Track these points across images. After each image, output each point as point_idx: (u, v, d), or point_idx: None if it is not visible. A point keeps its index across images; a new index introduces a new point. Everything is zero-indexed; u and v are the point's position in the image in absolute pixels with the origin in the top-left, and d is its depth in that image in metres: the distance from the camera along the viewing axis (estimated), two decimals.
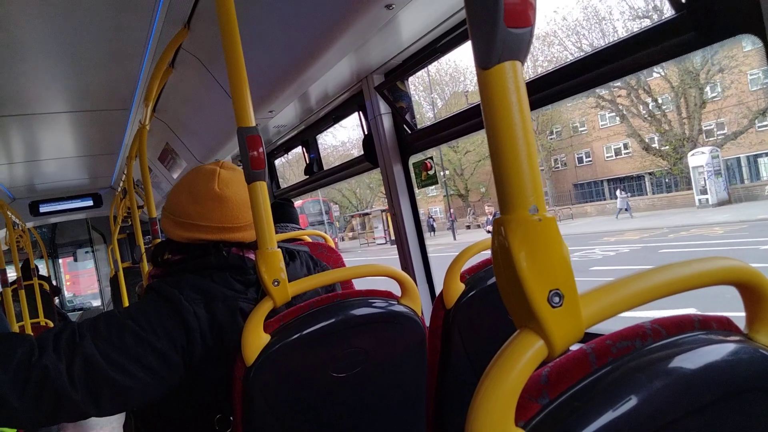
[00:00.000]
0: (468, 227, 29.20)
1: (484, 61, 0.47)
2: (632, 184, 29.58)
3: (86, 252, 9.38)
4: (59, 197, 5.88)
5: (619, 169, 30.13)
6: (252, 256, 1.36)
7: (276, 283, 1.18)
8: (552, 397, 0.48)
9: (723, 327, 0.57)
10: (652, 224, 18.42)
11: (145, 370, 1.13)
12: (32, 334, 1.85)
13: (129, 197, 3.40)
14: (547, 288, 0.47)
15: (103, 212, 6.14)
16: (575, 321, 0.48)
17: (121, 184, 5.08)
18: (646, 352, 0.52)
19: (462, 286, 1.38)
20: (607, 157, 30.66)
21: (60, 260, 9.95)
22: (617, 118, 28.08)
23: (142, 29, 2.31)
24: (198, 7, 2.12)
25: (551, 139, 31.68)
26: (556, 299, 0.47)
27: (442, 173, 29.70)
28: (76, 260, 9.98)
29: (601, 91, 24.98)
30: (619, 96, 25.89)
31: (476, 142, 29.85)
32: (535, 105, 1.53)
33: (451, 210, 29.04)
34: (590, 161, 31.52)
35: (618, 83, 23.14)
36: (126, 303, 5.17)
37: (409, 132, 2.19)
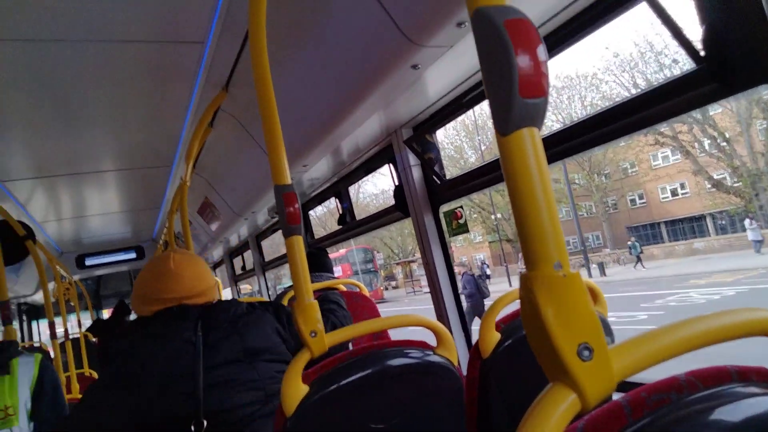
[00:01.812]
0: (521, 273, 28.14)
1: (502, 128, 0.51)
2: (692, 225, 28.28)
3: (128, 303, 9.58)
4: (104, 251, 6.12)
5: (677, 210, 28.74)
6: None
7: (313, 335, 1.21)
8: None
9: (764, 379, 0.56)
10: (739, 265, 16.96)
11: None
12: (77, 384, 1.92)
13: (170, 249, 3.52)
14: (576, 342, 0.48)
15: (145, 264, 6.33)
16: (607, 374, 0.49)
17: (162, 237, 5.26)
18: (683, 404, 0.52)
19: (497, 336, 1.37)
20: (663, 198, 29.35)
21: (104, 311, 10.22)
22: (672, 157, 26.96)
23: (184, 93, 2.47)
24: (236, 71, 2.26)
25: (602, 180, 30.60)
26: (586, 353, 0.48)
27: (493, 216, 29.12)
28: None
29: (661, 127, 24.25)
30: (680, 132, 24.69)
31: None
32: (562, 155, 1.56)
33: (495, 256, 28.24)
34: (644, 203, 30.18)
35: (677, 119, 22.31)
36: None
37: (438, 182, 2.24)
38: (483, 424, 1.39)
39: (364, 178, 3.21)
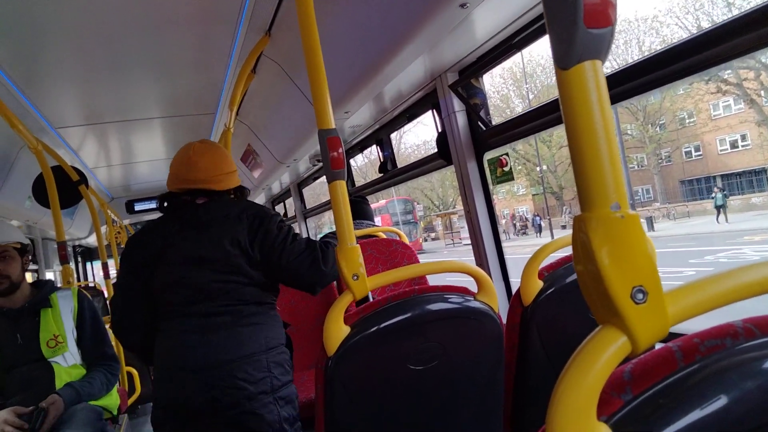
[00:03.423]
0: (564, 227, 26.35)
1: (563, 62, 0.48)
2: (750, 179, 26.26)
3: None
4: (151, 196, 6.35)
5: (735, 164, 26.58)
6: (199, 201, 1.79)
7: (355, 278, 1.23)
8: (635, 393, 0.48)
9: None
10: None
11: None
12: None
13: None
14: (630, 284, 0.47)
15: None
16: (660, 318, 0.47)
17: None
18: (737, 351, 0.50)
19: (540, 284, 1.37)
20: (721, 150, 27.03)
21: None
22: (734, 106, 24.77)
23: (227, 39, 2.46)
24: (278, 15, 2.23)
25: (656, 131, 28.59)
26: (640, 296, 0.47)
27: (538, 168, 28.24)
28: None
29: (724, 74, 22.10)
30: (745, 79, 22.45)
31: None
32: (622, 97, 1.48)
33: (534, 210, 27.60)
34: (700, 155, 27.86)
35: (744, 65, 20.54)
36: None
37: (484, 129, 2.18)
38: (522, 369, 1.41)
39: (406, 128, 3.18)
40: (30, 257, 2.15)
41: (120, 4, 1.98)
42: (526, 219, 28.84)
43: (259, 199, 6.16)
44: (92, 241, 7.43)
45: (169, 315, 1.70)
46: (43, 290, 2.10)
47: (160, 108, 3.39)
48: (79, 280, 8.60)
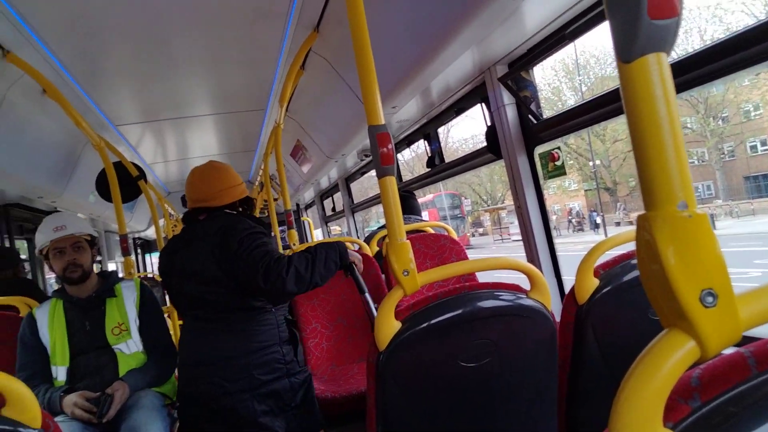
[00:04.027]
0: (618, 224, 25.62)
1: (625, 55, 0.46)
2: None
3: None
4: None
5: None
6: (201, 217, 2.03)
7: (406, 273, 1.24)
8: (704, 400, 0.46)
9: None
10: None
11: None
12: None
13: (266, 190, 3.70)
14: (699, 287, 0.45)
15: None
16: (731, 322, 0.45)
17: (258, 178, 5.53)
18: None
19: (596, 282, 1.33)
20: None
21: None
22: None
23: (276, 36, 2.51)
24: (326, 11, 2.25)
25: (719, 124, 26.62)
26: (710, 299, 0.45)
27: (591, 163, 27.35)
28: None
29: None
30: None
31: (626, 130, 26.58)
32: (682, 88, 1.41)
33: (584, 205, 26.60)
34: (767, 150, 26.04)
35: None
36: None
37: (535, 122, 2.13)
38: (577, 369, 1.37)
39: (453, 122, 3.14)
40: (97, 249, 2.27)
41: (174, 4, 2.05)
42: (582, 215, 27.86)
43: (308, 193, 6.26)
44: (150, 233, 7.76)
45: (180, 315, 2.06)
46: (109, 280, 2.21)
47: (213, 105, 3.50)
48: (138, 271, 9.01)
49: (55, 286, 4.50)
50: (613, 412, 0.45)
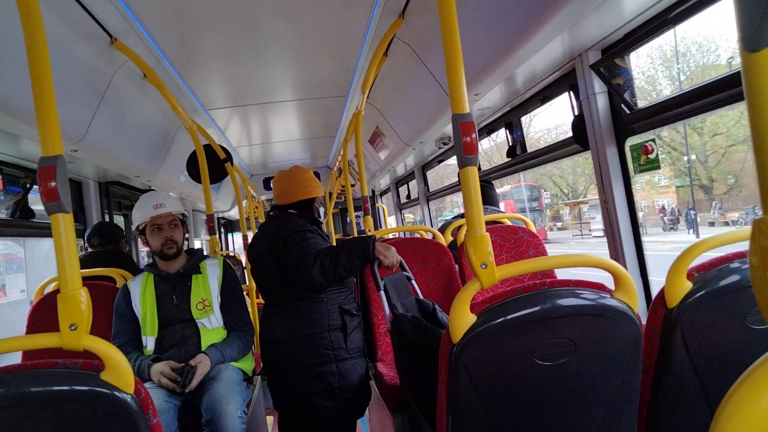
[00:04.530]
0: (712, 224, 23.68)
1: (752, 43, 0.41)
2: None
3: None
4: None
5: None
6: (272, 213, 2.47)
7: (484, 266, 1.21)
8: None
9: None
10: None
11: None
12: None
13: (344, 176, 3.77)
14: None
15: None
16: None
17: (337, 164, 5.64)
18: None
19: (688, 285, 1.24)
20: None
21: None
22: None
23: (361, 22, 2.52)
24: None
25: None
26: None
27: (686, 158, 25.53)
28: None
29: None
30: None
31: (728, 123, 23.74)
32: None
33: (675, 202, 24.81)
34: None
35: None
36: None
37: (628, 112, 2.01)
38: (663, 376, 1.29)
39: (536, 110, 3.03)
40: (186, 227, 2.41)
41: None
42: (677, 213, 26.01)
43: (384, 180, 6.29)
44: (233, 214, 8.14)
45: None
46: (195, 257, 2.34)
47: (297, 91, 3.59)
48: (221, 249, 9.52)
49: (146, 261, 4.84)
50: (716, 422, 0.41)
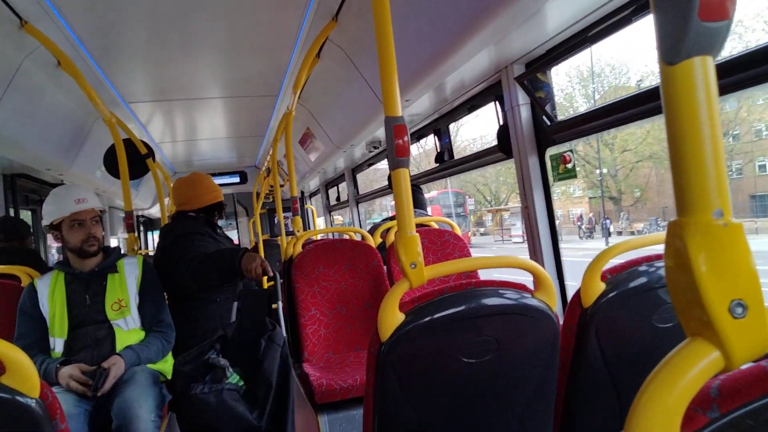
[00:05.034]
0: (620, 233, 25.45)
1: (670, 56, 0.45)
2: None
3: (230, 224, 10.42)
4: (211, 173, 6.54)
5: None
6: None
7: (413, 266, 1.23)
8: (723, 411, 0.46)
9: None
10: None
11: None
12: None
13: (272, 176, 3.70)
14: (729, 297, 0.44)
15: (247, 188, 6.73)
16: (760, 335, 0.45)
17: (265, 164, 5.53)
18: None
19: (602, 286, 1.32)
20: None
21: None
22: None
23: (294, 23, 2.49)
24: (346, 0, 2.23)
25: (729, 141, 26.51)
26: (739, 310, 0.44)
27: (598, 171, 26.89)
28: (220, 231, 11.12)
29: None
30: None
31: (636, 140, 25.90)
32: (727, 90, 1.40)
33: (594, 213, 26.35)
34: None
35: None
36: None
37: (548, 123, 2.12)
38: (576, 372, 1.37)
39: (463, 120, 3.14)
40: (102, 224, 2.27)
41: None
42: (594, 222, 27.66)
43: (314, 182, 6.25)
44: (154, 212, 7.77)
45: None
46: (112, 256, 2.21)
47: (225, 88, 3.49)
48: (140, 248, 9.02)
49: (56, 258, 4.50)
50: (631, 417, 0.44)
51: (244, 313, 2.17)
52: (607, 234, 23.71)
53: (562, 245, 2.29)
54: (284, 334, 2.29)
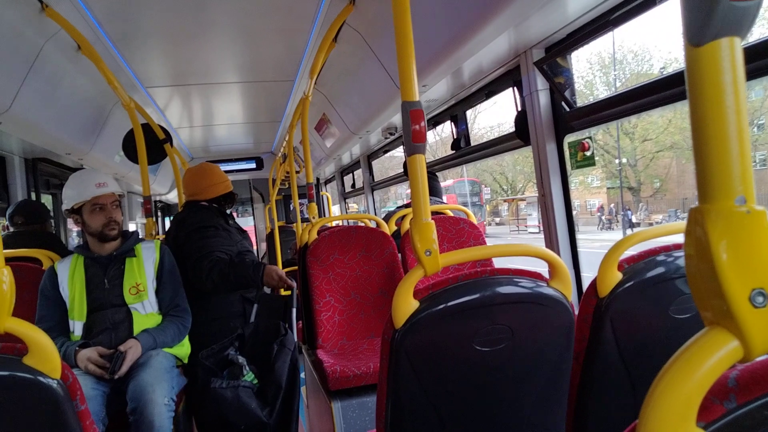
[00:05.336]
0: (638, 224, 24.85)
1: (696, 37, 0.43)
2: None
3: (246, 210, 10.49)
4: (228, 158, 6.61)
5: None
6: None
7: (428, 253, 1.23)
8: (740, 402, 0.45)
9: None
10: None
11: None
12: None
13: (288, 162, 3.71)
14: (750, 286, 0.43)
15: (263, 174, 6.77)
16: None
17: (281, 150, 5.54)
18: None
19: (618, 276, 1.31)
20: None
21: None
22: None
23: (311, 6, 2.47)
24: None
25: (753, 131, 25.92)
26: (760, 299, 0.43)
27: (617, 161, 26.73)
28: (238, 217, 11.21)
29: None
30: None
31: (658, 129, 25.23)
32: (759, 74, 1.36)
33: (610, 204, 25.97)
34: None
35: None
36: (279, 257, 5.68)
37: (568, 110, 2.09)
38: (592, 362, 1.36)
39: (481, 107, 3.11)
40: (121, 209, 2.31)
41: None
42: (615, 213, 27.26)
43: (329, 168, 6.25)
44: (171, 197, 7.85)
45: None
46: (130, 240, 2.24)
47: (242, 73, 3.49)
48: (157, 233, 9.15)
49: (76, 242, 4.57)
50: (646, 406, 0.44)
51: (260, 316, 2.38)
52: (629, 225, 23.38)
53: (579, 236, 2.26)
54: (296, 322, 2.37)
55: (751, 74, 1.34)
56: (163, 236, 7.48)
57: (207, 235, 2.44)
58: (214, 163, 2.76)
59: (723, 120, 0.43)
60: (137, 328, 2.11)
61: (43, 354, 1.06)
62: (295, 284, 2.38)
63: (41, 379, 1.06)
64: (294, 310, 2.46)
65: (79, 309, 2.08)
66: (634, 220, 24.15)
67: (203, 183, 2.68)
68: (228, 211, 2.80)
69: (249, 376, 2.11)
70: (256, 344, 2.25)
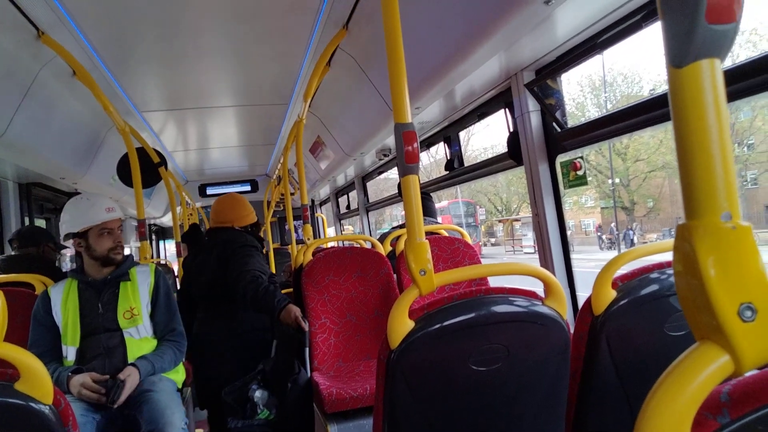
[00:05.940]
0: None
1: (677, 59, 0.45)
2: None
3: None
4: (223, 181, 6.62)
5: None
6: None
7: (423, 273, 1.23)
8: (733, 417, 0.45)
9: None
10: None
11: None
12: None
13: (283, 184, 3.72)
14: (738, 301, 0.44)
15: (258, 197, 6.78)
16: None
17: (276, 172, 5.56)
18: None
19: (613, 294, 1.31)
20: None
21: None
22: None
23: (305, 31, 2.51)
24: (357, 8, 2.25)
25: (744, 151, 26.35)
26: (749, 313, 0.43)
27: (610, 181, 26.92)
28: None
29: None
30: None
31: (649, 150, 25.55)
32: (738, 96, 1.39)
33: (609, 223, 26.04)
34: None
35: None
36: None
37: (559, 130, 2.12)
38: (587, 380, 1.36)
39: (474, 129, 3.15)
40: None
41: None
42: (616, 232, 27.35)
43: (324, 190, 6.27)
44: (166, 220, 7.84)
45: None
46: (125, 264, 2.22)
47: (237, 97, 3.52)
48: (152, 257, 9.10)
49: (69, 266, 4.53)
50: (640, 421, 0.44)
51: (279, 351, 2.54)
52: (631, 245, 23.35)
53: (578, 256, 2.27)
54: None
55: (737, 95, 1.37)
56: (158, 259, 7.45)
57: (252, 254, 2.63)
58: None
59: (706, 138, 0.44)
60: (131, 353, 2.08)
61: (35, 379, 1.05)
62: (307, 328, 2.41)
63: (33, 404, 1.04)
64: (306, 350, 2.52)
65: (72, 334, 2.05)
66: (635, 240, 24.20)
67: (240, 212, 2.88)
68: None
69: (263, 414, 2.29)
70: (276, 378, 2.40)
